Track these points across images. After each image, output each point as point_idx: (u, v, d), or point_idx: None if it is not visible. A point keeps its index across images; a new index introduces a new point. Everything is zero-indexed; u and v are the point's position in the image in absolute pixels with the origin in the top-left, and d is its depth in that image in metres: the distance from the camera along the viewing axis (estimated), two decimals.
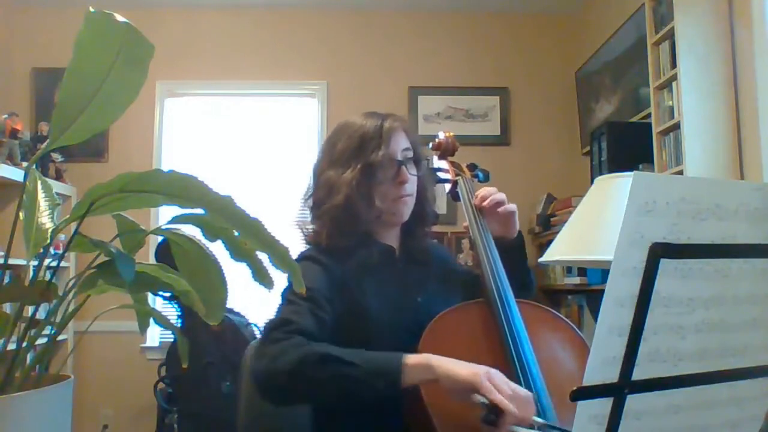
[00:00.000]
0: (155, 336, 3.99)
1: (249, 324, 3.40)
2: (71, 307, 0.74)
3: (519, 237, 1.36)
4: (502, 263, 1.26)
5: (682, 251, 0.59)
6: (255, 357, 1.10)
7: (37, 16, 4.09)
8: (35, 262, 0.75)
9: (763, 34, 2.43)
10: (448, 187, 1.45)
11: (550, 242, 1.89)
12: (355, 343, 1.17)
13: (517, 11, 4.28)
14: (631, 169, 2.25)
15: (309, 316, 1.12)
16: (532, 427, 0.95)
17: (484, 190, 1.34)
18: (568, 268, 3.51)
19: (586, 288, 3.35)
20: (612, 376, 0.58)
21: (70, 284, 0.73)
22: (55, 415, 0.67)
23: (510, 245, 1.33)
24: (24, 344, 0.70)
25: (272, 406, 1.12)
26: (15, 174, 3.13)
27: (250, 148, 4.16)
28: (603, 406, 0.59)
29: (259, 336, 3.34)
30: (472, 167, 1.49)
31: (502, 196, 1.33)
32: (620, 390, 0.59)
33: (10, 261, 0.77)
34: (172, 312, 3.59)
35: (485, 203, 1.32)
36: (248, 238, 0.70)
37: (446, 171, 1.46)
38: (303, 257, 1.27)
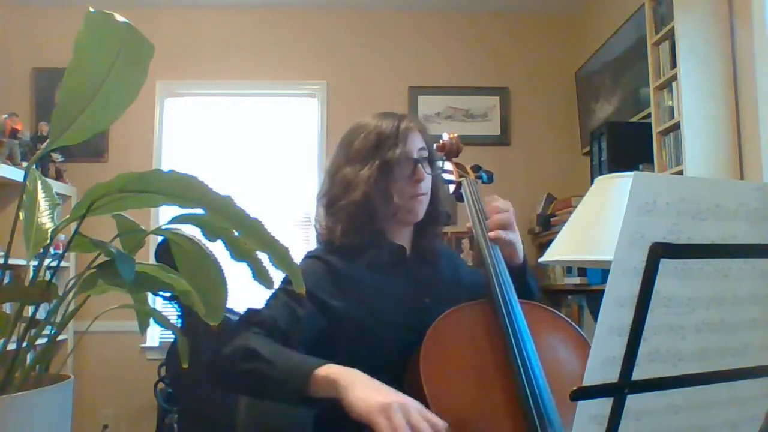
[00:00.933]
0: (155, 336, 3.99)
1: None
2: (71, 307, 0.74)
3: (523, 263, 1.32)
4: None
5: (682, 251, 0.59)
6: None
7: (37, 16, 4.09)
8: (35, 262, 0.75)
9: (763, 34, 2.43)
10: (452, 188, 1.46)
11: (550, 242, 1.90)
12: (362, 342, 1.17)
13: (517, 11, 4.28)
14: (631, 169, 2.25)
15: (280, 310, 1.16)
16: None
17: (496, 215, 1.28)
18: (568, 268, 3.51)
19: (586, 288, 3.35)
20: (612, 376, 0.58)
21: (70, 284, 0.73)
22: (55, 415, 0.67)
23: (512, 270, 1.29)
24: (24, 344, 0.70)
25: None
26: (15, 174, 3.13)
27: (250, 148, 4.17)
28: (603, 406, 0.59)
29: None
30: (476, 168, 1.49)
31: (506, 217, 1.28)
32: (620, 390, 0.59)
33: (10, 261, 0.77)
34: (172, 312, 3.59)
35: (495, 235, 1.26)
36: (248, 238, 0.70)
37: (450, 172, 1.46)
38: (308, 256, 1.30)
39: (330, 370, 0.99)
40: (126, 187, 0.67)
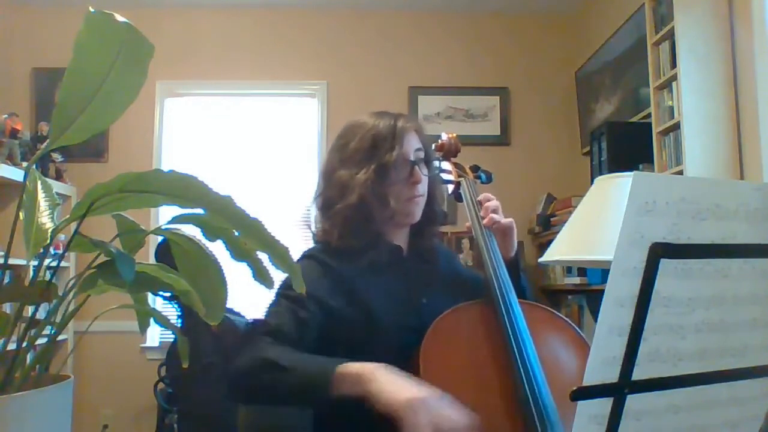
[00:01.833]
0: (155, 336, 3.99)
1: (249, 324, 3.40)
2: (71, 307, 0.74)
3: (515, 255, 1.35)
4: None
5: (682, 251, 0.59)
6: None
7: (37, 16, 4.09)
8: (35, 262, 0.75)
9: (763, 34, 2.43)
10: (451, 188, 1.45)
11: (550, 242, 1.89)
12: (361, 342, 1.17)
13: (517, 11, 4.28)
14: (631, 169, 2.25)
15: (287, 317, 1.14)
16: None
17: (487, 203, 1.33)
18: (568, 268, 3.51)
19: (586, 288, 3.35)
20: (612, 376, 0.58)
21: (70, 284, 0.73)
22: (55, 415, 0.67)
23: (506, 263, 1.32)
24: (24, 344, 0.70)
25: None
26: (15, 174, 3.13)
27: (250, 148, 4.17)
28: (603, 406, 0.59)
29: None
30: (475, 168, 1.49)
31: (496, 203, 1.33)
32: (620, 390, 0.59)
33: (10, 261, 0.77)
34: (172, 312, 3.59)
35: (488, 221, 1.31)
36: (248, 238, 0.70)
37: (449, 172, 1.46)
38: (305, 256, 1.28)
39: (351, 367, 1.00)
40: (126, 187, 0.67)
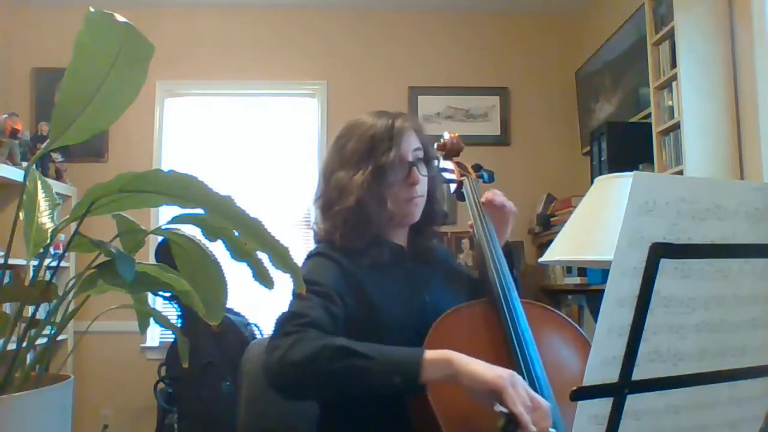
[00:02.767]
0: (155, 336, 3.99)
1: (249, 324, 3.40)
2: (71, 307, 0.74)
3: (505, 247, 1.36)
4: None
5: (682, 251, 0.59)
6: (267, 350, 1.07)
7: (37, 16, 4.09)
8: (35, 262, 0.75)
9: (763, 34, 2.43)
10: (453, 187, 1.45)
11: (550, 242, 1.89)
12: (365, 340, 1.16)
13: (517, 11, 4.28)
14: (631, 169, 2.25)
15: (321, 310, 1.11)
16: None
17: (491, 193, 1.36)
18: (568, 268, 3.51)
19: (586, 288, 3.35)
20: (612, 376, 0.58)
21: (70, 284, 0.73)
22: (55, 415, 0.67)
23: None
24: (24, 344, 0.70)
25: (283, 399, 1.11)
26: (15, 174, 3.13)
27: (250, 148, 4.16)
28: (603, 406, 0.59)
29: (260, 334, 3.34)
30: (477, 168, 1.49)
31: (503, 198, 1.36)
32: (620, 390, 0.59)
33: (10, 261, 0.77)
34: (172, 312, 3.59)
35: (489, 200, 1.34)
36: (248, 238, 0.70)
37: (451, 171, 1.46)
38: (315, 253, 1.27)
39: (433, 353, 1.00)
40: (126, 187, 0.67)
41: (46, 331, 0.74)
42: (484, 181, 1.48)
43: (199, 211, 0.70)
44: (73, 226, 0.72)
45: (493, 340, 1.15)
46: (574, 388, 0.57)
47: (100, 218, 0.73)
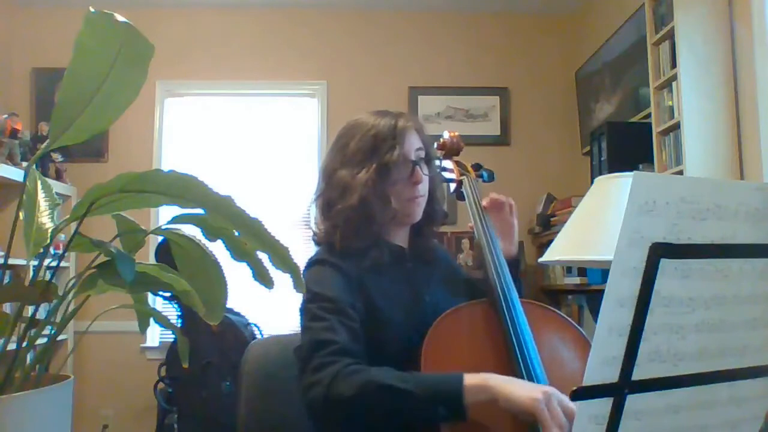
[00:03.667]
0: (155, 336, 3.99)
1: (249, 324, 3.40)
2: (71, 307, 0.74)
3: (515, 258, 1.36)
4: None
5: (682, 251, 0.59)
6: (305, 387, 1.06)
7: (37, 16, 4.09)
8: (35, 262, 0.75)
9: (763, 34, 2.43)
10: (452, 186, 1.45)
11: (550, 242, 1.89)
12: (370, 343, 1.16)
13: (517, 11, 4.28)
14: (631, 169, 2.25)
15: (343, 331, 1.10)
16: None
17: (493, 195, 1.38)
18: (568, 268, 3.51)
19: (586, 288, 3.35)
20: (612, 376, 0.58)
21: (70, 284, 0.73)
22: (55, 415, 0.67)
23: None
24: (24, 344, 0.70)
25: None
26: (15, 174, 3.13)
27: (250, 148, 4.16)
28: (603, 406, 0.59)
29: (259, 334, 3.34)
30: (477, 167, 1.49)
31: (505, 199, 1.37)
32: (620, 390, 0.59)
33: (10, 261, 0.77)
34: (172, 312, 3.59)
35: (491, 203, 1.35)
36: (248, 238, 0.70)
37: (451, 171, 1.46)
38: (316, 261, 1.25)
39: (474, 378, 1.01)
40: (126, 187, 0.67)
41: (46, 331, 0.74)
42: (483, 181, 1.48)
43: (199, 211, 0.70)
44: (73, 226, 0.72)
45: (493, 340, 1.15)
46: (574, 388, 0.57)
47: (100, 218, 0.73)
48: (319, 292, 1.14)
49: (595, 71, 3.85)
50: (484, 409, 1.00)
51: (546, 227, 3.80)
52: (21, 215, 0.75)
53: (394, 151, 1.23)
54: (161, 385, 3.37)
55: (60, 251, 0.75)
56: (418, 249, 1.35)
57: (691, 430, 0.66)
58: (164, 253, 0.88)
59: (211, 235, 0.74)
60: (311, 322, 1.12)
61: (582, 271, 3.38)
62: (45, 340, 0.75)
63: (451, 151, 1.51)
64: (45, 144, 0.68)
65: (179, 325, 3.17)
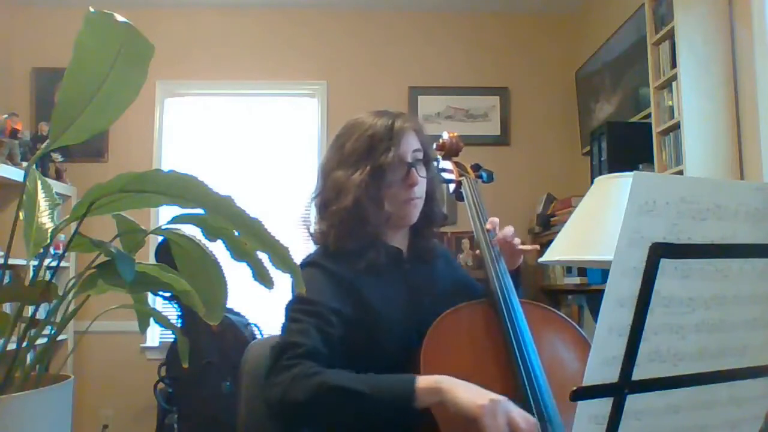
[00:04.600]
0: (155, 336, 3.99)
1: (249, 324, 3.40)
2: (71, 307, 0.74)
3: (516, 270, 1.35)
4: None
5: (682, 251, 0.59)
6: (267, 385, 1.08)
7: (37, 16, 4.09)
8: (35, 262, 0.75)
9: (763, 34, 2.43)
10: (452, 187, 1.45)
11: (550, 242, 1.89)
12: (365, 345, 1.16)
13: (517, 11, 4.28)
14: (631, 169, 2.25)
15: (315, 334, 1.11)
16: None
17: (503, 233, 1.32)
18: (568, 268, 3.51)
19: (586, 288, 3.35)
20: (612, 376, 0.58)
21: (70, 284, 0.73)
22: (55, 415, 0.67)
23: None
24: (24, 344, 0.70)
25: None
26: (15, 174, 3.13)
27: (250, 148, 4.16)
28: (603, 406, 0.59)
29: (260, 334, 3.33)
30: (476, 168, 1.49)
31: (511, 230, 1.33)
32: (620, 390, 0.59)
33: (10, 261, 0.77)
34: (172, 312, 3.59)
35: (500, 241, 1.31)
36: (248, 238, 0.70)
37: (450, 171, 1.45)
38: (307, 263, 1.25)
39: (426, 381, 1.01)
40: (126, 187, 0.67)
41: (46, 331, 0.74)
42: (483, 181, 1.48)
43: (199, 211, 0.70)
44: (73, 226, 0.72)
45: (492, 340, 1.15)
46: (574, 388, 0.57)
47: (100, 218, 0.73)
48: (302, 295, 1.14)
49: (595, 71, 3.85)
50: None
51: (546, 227, 3.80)
52: (21, 215, 0.75)
53: (389, 153, 1.22)
54: (161, 385, 3.37)
55: (60, 251, 0.75)
56: (417, 250, 1.35)
57: (691, 430, 0.66)
58: (164, 253, 0.88)
59: (211, 235, 0.74)
60: (289, 323, 1.14)
61: (582, 271, 3.38)
62: (45, 340, 0.75)
63: (450, 151, 1.51)
64: (45, 144, 0.68)
65: (179, 325, 3.17)
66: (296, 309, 1.15)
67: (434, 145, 1.47)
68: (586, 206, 1.83)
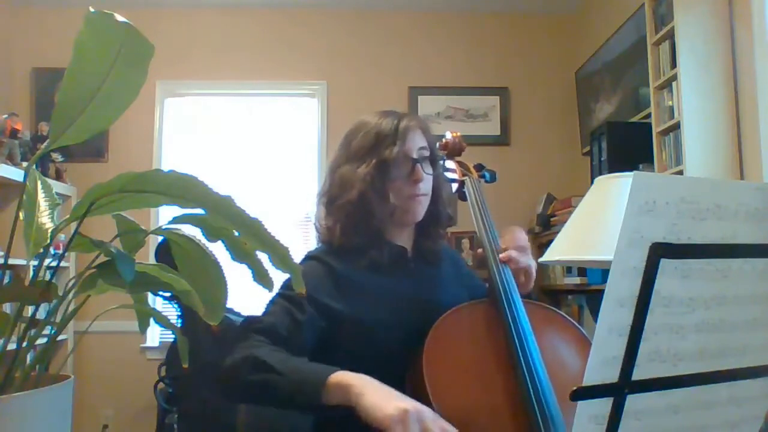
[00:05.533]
0: (155, 336, 3.99)
1: (244, 320, 3.40)
2: (71, 307, 0.74)
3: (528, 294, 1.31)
4: None
5: (682, 251, 0.59)
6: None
7: (37, 16, 4.09)
8: (35, 262, 0.74)
9: (763, 34, 2.43)
10: (455, 187, 1.45)
11: (550, 242, 1.90)
12: (365, 343, 1.16)
13: (517, 11, 4.28)
14: (631, 169, 2.25)
15: (281, 317, 1.15)
16: None
17: (512, 248, 1.27)
18: (568, 268, 3.51)
19: (586, 288, 3.35)
20: (612, 376, 0.58)
21: (70, 284, 0.73)
22: (55, 415, 0.67)
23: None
24: (24, 344, 0.70)
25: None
26: (15, 174, 3.13)
27: (250, 148, 4.17)
28: (603, 405, 0.59)
29: None
30: (479, 167, 1.49)
31: (524, 238, 1.29)
32: (620, 390, 0.59)
33: (10, 261, 0.77)
34: (172, 312, 3.59)
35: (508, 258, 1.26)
36: (248, 238, 0.70)
37: (453, 171, 1.46)
38: (310, 257, 1.28)
39: (342, 377, 0.99)
40: (126, 187, 0.67)
41: (46, 331, 0.74)
42: (485, 181, 1.48)
43: (199, 211, 0.70)
44: (73, 226, 0.71)
45: (494, 339, 1.15)
46: (574, 387, 0.57)
47: (100, 218, 0.73)
48: (290, 282, 1.16)
49: (595, 71, 3.85)
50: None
51: (546, 227, 3.80)
52: (21, 215, 0.75)
53: (394, 147, 1.25)
54: (161, 385, 3.37)
55: (60, 251, 0.75)
56: (422, 250, 1.35)
57: (691, 430, 0.66)
58: (164, 253, 0.87)
59: (211, 235, 0.73)
60: (269, 305, 1.19)
61: (582, 271, 3.38)
62: (45, 340, 0.75)
63: (453, 151, 1.51)
64: (45, 144, 0.68)
65: (179, 325, 3.16)
66: (279, 294, 1.19)
67: (437, 145, 1.48)
68: (586, 206, 1.83)
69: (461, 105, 4.23)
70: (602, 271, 2.86)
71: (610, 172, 2.50)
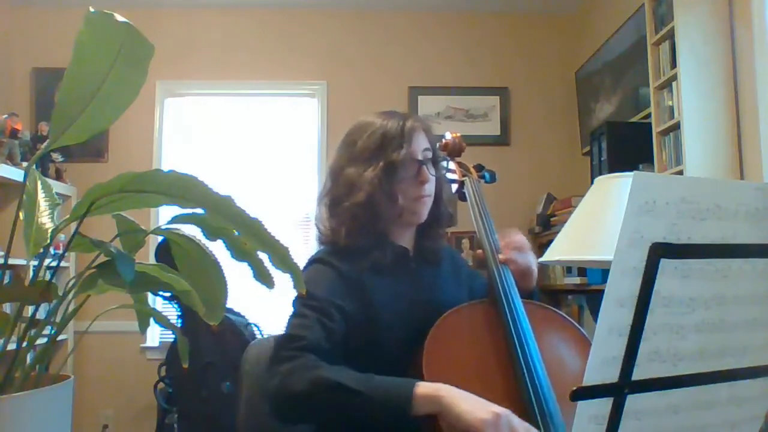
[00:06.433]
0: (155, 336, 3.99)
1: (249, 324, 3.40)
2: (71, 307, 0.74)
3: (533, 290, 1.32)
4: None
5: (682, 251, 0.59)
6: (267, 375, 1.09)
7: (37, 16, 4.09)
8: (35, 262, 0.75)
9: (763, 34, 2.43)
10: (454, 187, 1.45)
11: (550, 242, 1.89)
12: (367, 344, 1.16)
13: (517, 11, 4.28)
14: (631, 169, 2.25)
15: (318, 329, 1.12)
16: None
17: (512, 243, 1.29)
18: (568, 268, 3.51)
19: (586, 288, 3.35)
20: (612, 376, 0.58)
21: (70, 284, 0.73)
22: (55, 415, 0.67)
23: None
24: (24, 344, 0.70)
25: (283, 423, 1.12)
26: (15, 174, 3.13)
27: (250, 148, 4.16)
28: (603, 406, 0.59)
29: (260, 334, 3.34)
30: (479, 168, 1.49)
31: (522, 239, 1.30)
32: (620, 390, 0.59)
33: (10, 261, 0.77)
34: (172, 312, 3.59)
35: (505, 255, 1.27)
36: (248, 238, 0.70)
37: (453, 171, 1.46)
38: (314, 260, 1.27)
39: (427, 388, 1.00)
40: (126, 187, 0.67)
41: (46, 331, 0.74)
42: (485, 182, 1.48)
43: (199, 211, 0.70)
44: (73, 226, 0.71)
45: (494, 339, 1.15)
46: (574, 388, 0.57)
47: (100, 218, 0.73)
48: (309, 290, 1.15)
49: (595, 71, 3.85)
50: None
51: (546, 227, 3.80)
52: (21, 215, 0.75)
53: (401, 150, 1.24)
54: (161, 385, 3.37)
55: (60, 251, 0.75)
56: (423, 250, 1.35)
57: (691, 430, 0.66)
58: (164, 253, 0.87)
59: (211, 235, 0.74)
60: (293, 317, 1.16)
61: (582, 271, 3.38)
62: (45, 340, 0.75)
63: (453, 151, 1.51)
64: (45, 144, 0.68)
65: (179, 325, 3.16)
66: (301, 303, 1.16)
67: (437, 146, 1.48)
68: (586, 206, 1.83)
69: (461, 105, 4.23)
70: (602, 271, 2.86)
71: (610, 172, 2.50)
